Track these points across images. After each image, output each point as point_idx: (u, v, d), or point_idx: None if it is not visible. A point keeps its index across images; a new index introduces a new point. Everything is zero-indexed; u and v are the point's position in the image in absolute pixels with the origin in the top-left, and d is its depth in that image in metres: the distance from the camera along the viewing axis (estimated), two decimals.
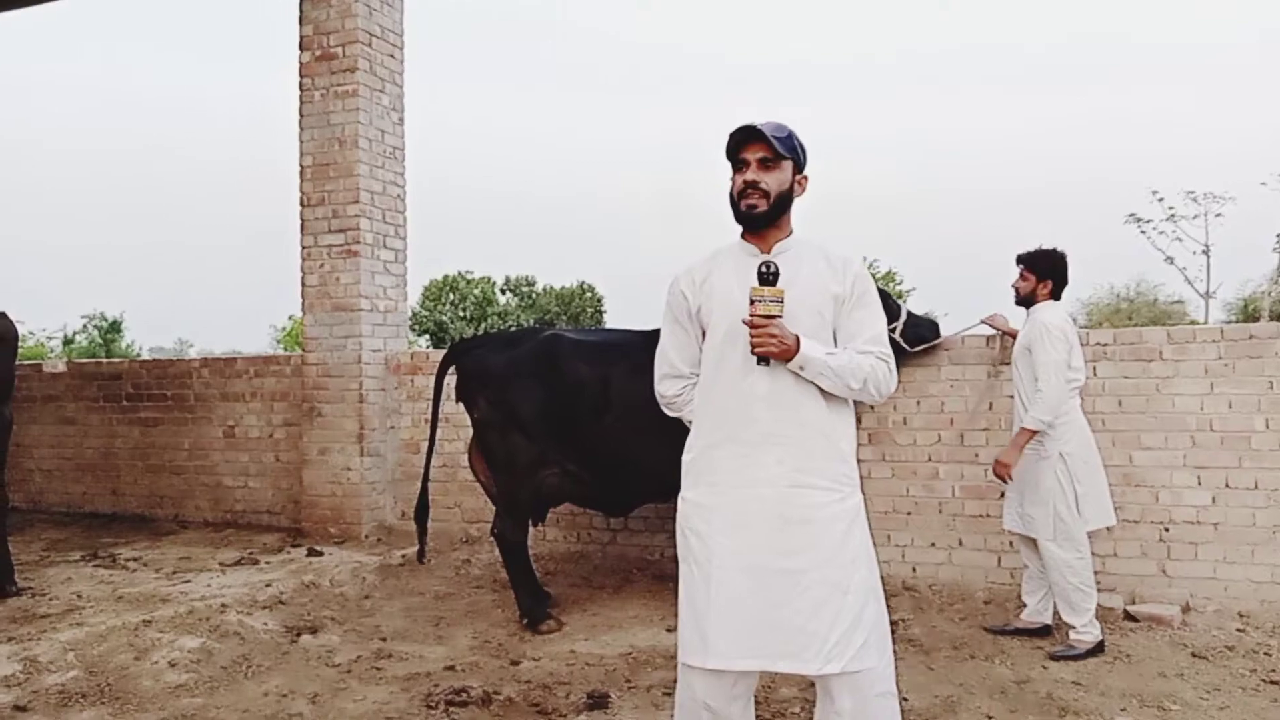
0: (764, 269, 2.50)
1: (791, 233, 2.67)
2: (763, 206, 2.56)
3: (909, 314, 5.50)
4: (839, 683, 2.49)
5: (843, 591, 2.47)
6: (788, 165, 2.59)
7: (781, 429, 2.53)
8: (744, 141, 2.57)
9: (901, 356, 5.38)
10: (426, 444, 5.77)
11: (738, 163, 2.59)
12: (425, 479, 5.62)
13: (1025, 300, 4.78)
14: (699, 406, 2.69)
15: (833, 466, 2.55)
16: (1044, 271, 4.71)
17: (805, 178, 2.66)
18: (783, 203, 2.60)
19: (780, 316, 2.48)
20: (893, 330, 5.10)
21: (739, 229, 2.68)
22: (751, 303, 2.48)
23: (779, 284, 2.49)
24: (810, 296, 2.57)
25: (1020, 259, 4.79)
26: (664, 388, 2.82)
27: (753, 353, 2.50)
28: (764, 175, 2.56)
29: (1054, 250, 4.76)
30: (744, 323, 2.50)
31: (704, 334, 2.68)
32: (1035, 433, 4.52)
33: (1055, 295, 4.74)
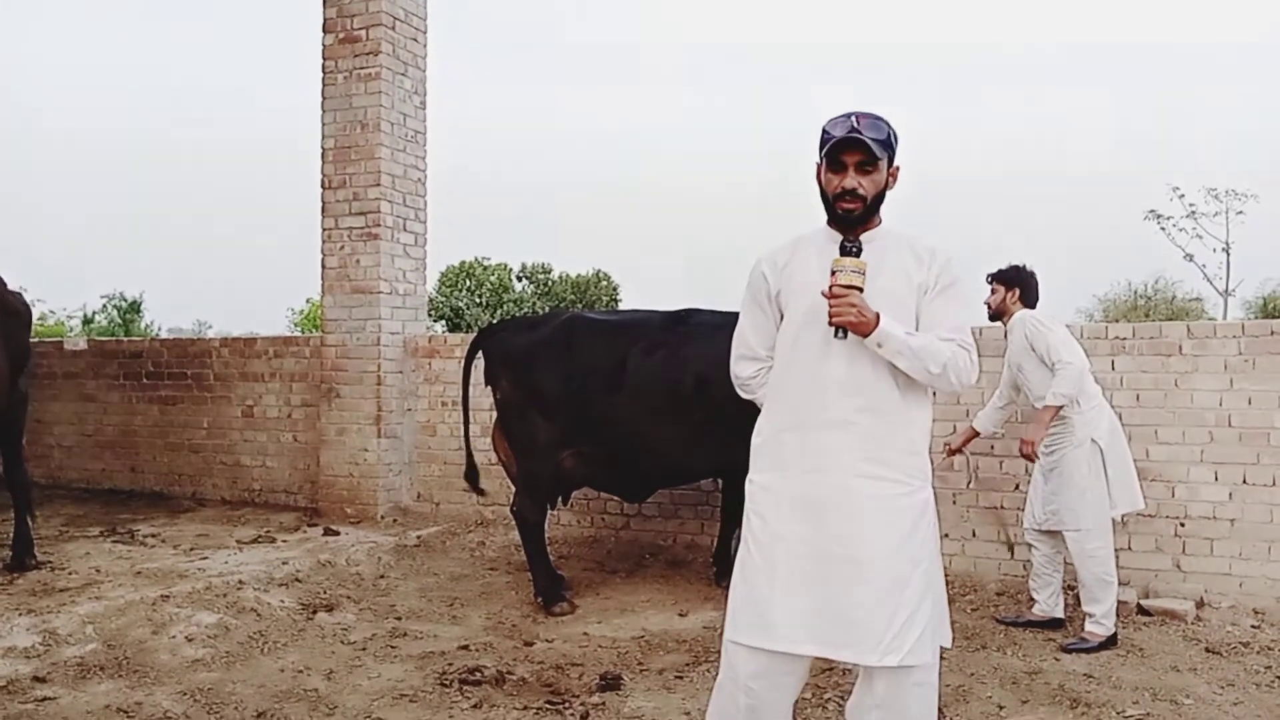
0: (847, 243, 2.49)
1: (880, 223, 2.63)
2: (859, 210, 2.54)
3: None
4: (880, 671, 2.49)
5: (903, 585, 2.45)
6: (884, 164, 2.55)
7: (854, 416, 2.50)
8: (844, 146, 2.52)
9: None
10: (448, 427, 5.86)
11: (835, 163, 2.54)
12: (468, 446, 5.78)
13: (997, 314, 4.91)
14: (772, 390, 2.67)
15: (904, 459, 2.53)
16: (1011, 281, 4.84)
17: (898, 168, 2.62)
18: (878, 202, 2.59)
19: (861, 290, 2.44)
20: None
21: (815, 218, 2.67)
22: (832, 273, 2.46)
23: (862, 259, 2.47)
24: (896, 286, 2.54)
25: (988, 276, 4.93)
26: (740, 369, 2.79)
27: (830, 323, 2.46)
28: (862, 179, 2.52)
29: (1021, 265, 4.90)
30: (823, 294, 2.46)
31: (782, 318, 2.67)
32: (1059, 410, 4.53)
33: (1028, 305, 4.83)
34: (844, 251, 2.49)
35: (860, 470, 2.49)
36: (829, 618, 2.45)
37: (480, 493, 5.91)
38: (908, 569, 2.47)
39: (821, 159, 2.57)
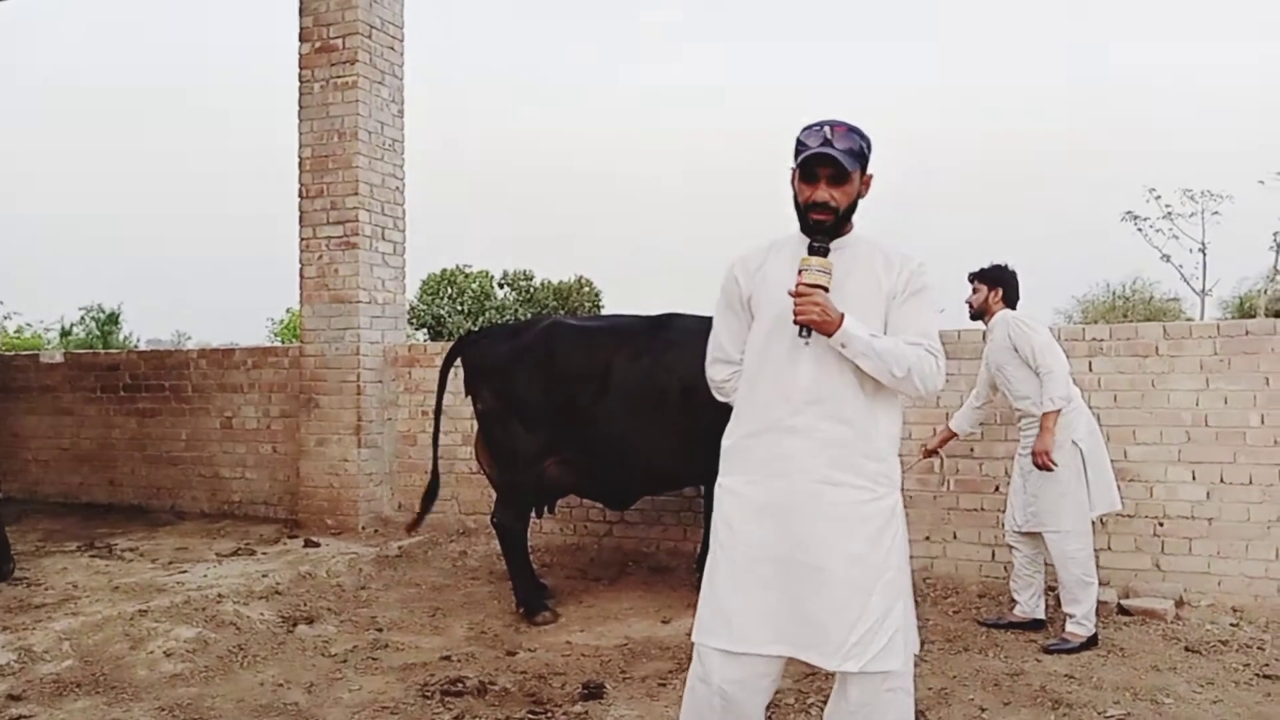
0: (815, 243, 2.51)
1: (852, 228, 2.65)
2: (831, 222, 2.56)
3: None
4: (852, 676, 2.50)
5: (866, 593, 2.46)
6: (856, 175, 2.57)
7: (820, 422, 2.52)
8: (817, 160, 2.54)
9: None
10: (429, 436, 5.82)
11: (808, 174, 2.56)
12: (435, 467, 5.69)
13: (979, 313, 4.92)
14: (741, 394, 2.69)
15: (868, 465, 2.53)
16: (993, 280, 4.86)
17: (871, 177, 2.64)
18: (850, 212, 2.61)
19: (827, 289, 2.47)
20: None
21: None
22: (799, 272, 2.48)
23: (829, 260, 2.49)
24: (864, 291, 2.57)
25: (970, 276, 4.94)
26: (714, 372, 2.81)
27: (795, 321, 2.48)
28: (834, 192, 2.54)
29: (1003, 264, 4.91)
30: (789, 293, 2.48)
31: (754, 322, 2.68)
32: (1059, 412, 4.54)
33: (1009, 305, 4.85)
34: (811, 251, 2.51)
35: (825, 476, 2.50)
36: (794, 619, 2.47)
37: (419, 517, 5.70)
38: (872, 576, 2.48)
39: (795, 167, 2.59)
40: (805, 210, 2.57)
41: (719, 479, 2.69)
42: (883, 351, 2.48)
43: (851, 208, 2.60)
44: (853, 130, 2.56)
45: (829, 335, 2.47)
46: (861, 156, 2.57)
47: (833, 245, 2.56)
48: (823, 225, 2.55)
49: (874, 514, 2.52)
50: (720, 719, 2.53)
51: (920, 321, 2.58)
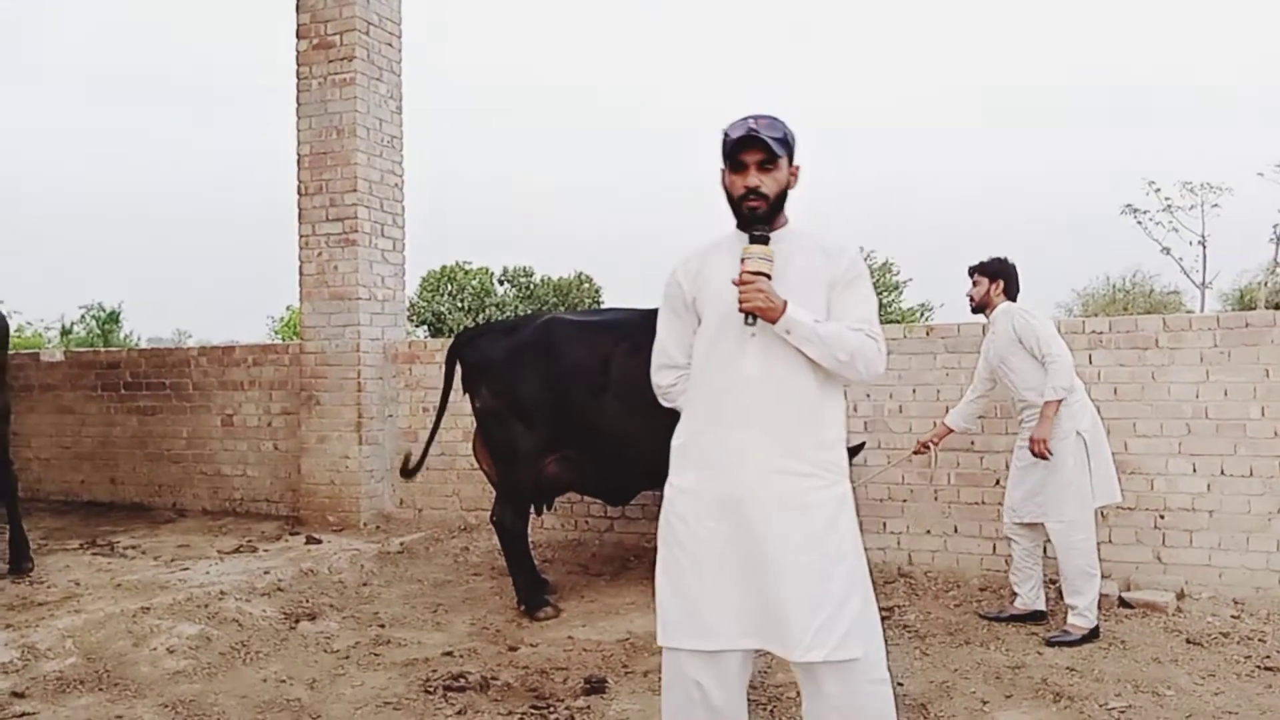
0: (756, 231, 2.54)
1: (787, 222, 2.68)
2: (764, 208, 2.58)
3: None
4: (824, 670, 2.49)
5: (824, 580, 2.47)
6: (784, 162, 2.60)
7: (767, 416, 2.53)
8: (743, 146, 2.57)
9: None
10: (429, 431, 5.83)
11: (736, 164, 2.59)
12: (429, 443, 5.78)
13: (980, 306, 4.92)
14: (689, 393, 2.70)
15: (818, 454, 2.55)
16: (994, 273, 4.87)
17: (798, 168, 2.67)
18: (781, 200, 2.63)
19: (770, 276, 2.49)
20: None
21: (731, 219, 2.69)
22: (742, 261, 2.51)
23: (769, 248, 2.52)
24: (805, 284, 2.58)
25: (970, 269, 4.95)
26: (660, 378, 2.82)
27: (740, 309, 2.50)
28: (764, 178, 2.57)
29: (1003, 257, 4.92)
30: (733, 282, 2.51)
31: (699, 323, 2.70)
32: (1060, 402, 4.54)
33: (1010, 297, 4.86)
34: (753, 240, 2.54)
35: (776, 466, 2.51)
36: (758, 610, 2.49)
37: (406, 475, 5.83)
38: (828, 564, 2.49)
39: (724, 163, 2.61)
40: (738, 201, 2.60)
41: (670, 479, 2.69)
42: (826, 337, 2.50)
43: (782, 196, 2.63)
44: (776, 120, 2.60)
45: (773, 322, 2.50)
46: (787, 144, 2.59)
47: (771, 238, 2.59)
48: (757, 213, 2.58)
49: (826, 501, 2.53)
50: (702, 716, 2.55)
51: (860, 307, 2.61)
